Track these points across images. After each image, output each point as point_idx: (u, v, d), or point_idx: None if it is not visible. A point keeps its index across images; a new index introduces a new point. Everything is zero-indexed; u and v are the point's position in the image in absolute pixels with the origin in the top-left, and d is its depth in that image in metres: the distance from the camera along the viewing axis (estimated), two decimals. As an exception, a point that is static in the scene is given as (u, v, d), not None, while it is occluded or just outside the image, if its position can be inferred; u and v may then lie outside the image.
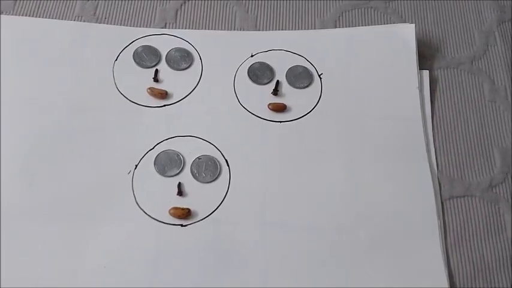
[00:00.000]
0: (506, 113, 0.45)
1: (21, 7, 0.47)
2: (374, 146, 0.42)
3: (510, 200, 0.41)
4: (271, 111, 0.43)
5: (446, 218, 0.40)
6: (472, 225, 0.40)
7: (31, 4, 0.48)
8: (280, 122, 0.43)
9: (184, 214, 0.39)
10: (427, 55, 0.47)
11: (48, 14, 0.47)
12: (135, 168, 0.41)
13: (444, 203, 0.41)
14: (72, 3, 0.48)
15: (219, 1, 0.49)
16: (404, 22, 0.49)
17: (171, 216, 0.39)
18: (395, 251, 0.38)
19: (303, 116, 0.43)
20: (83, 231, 0.38)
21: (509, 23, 0.49)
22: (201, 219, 0.39)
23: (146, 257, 0.38)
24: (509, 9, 0.50)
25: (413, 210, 0.40)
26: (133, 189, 0.40)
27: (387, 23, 0.49)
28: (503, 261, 0.39)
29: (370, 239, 0.39)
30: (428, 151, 0.42)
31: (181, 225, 0.39)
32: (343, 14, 0.49)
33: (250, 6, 0.49)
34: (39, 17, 0.47)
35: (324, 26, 0.48)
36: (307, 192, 0.40)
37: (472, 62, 0.47)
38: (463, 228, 0.40)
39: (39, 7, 0.48)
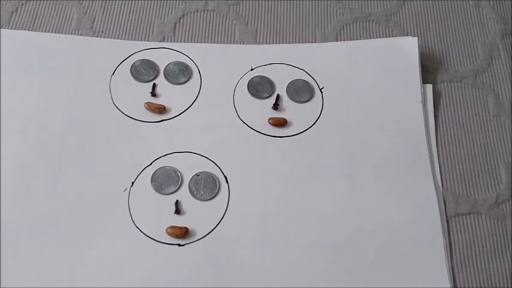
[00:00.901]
0: (511, 127, 0.44)
1: (18, 21, 0.47)
2: (377, 162, 0.41)
3: (517, 217, 0.40)
4: (271, 126, 0.42)
5: (451, 236, 0.39)
6: (478, 244, 0.39)
7: (27, 18, 0.47)
8: (281, 137, 0.42)
9: (182, 233, 0.38)
10: (430, 68, 0.46)
11: (45, 27, 0.47)
12: (132, 185, 0.40)
13: (449, 221, 0.40)
14: (69, 17, 0.47)
15: (218, 14, 0.48)
16: (406, 35, 0.48)
17: (168, 236, 0.38)
18: (399, 270, 0.37)
19: (304, 131, 0.42)
20: (77, 249, 0.37)
21: (513, 36, 0.49)
22: (199, 239, 0.38)
23: (142, 278, 0.36)
24: (513, 21, 0.49)
25: (418, 228, 0.39)
26: (130, 207, 0.39)
27: (389, 36, 0.48)
28: (511, 282, 0.38)
29: (373, 258, 0.38)
30: (432, 167, 0.41)
31: (179, 245, 0.38)
32: (345, 27, 0.48)
33: (250, 19, 0.48)
34: (35, 30, 0.46)
35: (325, 40, 0.47)
36: (309, 209, 0.39)
37: (476, 76, 0.46)
38: (469, 246, 0.39)
39: (35, 21, 0.47)
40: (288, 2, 0.49)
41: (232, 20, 0.48)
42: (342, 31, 0.48)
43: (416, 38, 0.46)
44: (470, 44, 0.48)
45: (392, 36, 0.48)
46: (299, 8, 0.49)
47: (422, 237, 0.38)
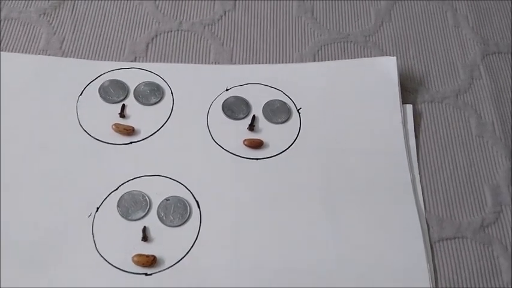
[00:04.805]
0: (495, 148, 0.43)
1: (-17, 41, 0.45)
2: (356, 185, 0.40)
3: (504, 241, 0.38)
4: (246, 148, 0.41)
5: (436, 262, 0.37)
6: (464, 269, 0.37)
7: (-6, 38, 0.45)
8: (257, 159, 0.40)
9: (149, 262, 0.35)
10: (410, 89, 0.45)
11: (12, 47, 0.45)
12: (96, 211, 0.37)
13: (433, 246, 0.38)
14: (37, 37, 0.46)
15: (192, 34, 0.47)
16: (386, 55, 0.47)
17: (134, 264, 0.35)
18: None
19: (280, 153, 0.41)
20: (36, 280, 0.35)
21: (494, 56, 0.48)
22: (168, 267, 0.36)
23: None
24: (493, 42, 0.49)
25: (400, 253, 0.37)
26: (94, 234, 0.36)
27: (368, 57, 0.47)
28: (500, 310, 0.36)
29: (353, 285, 0.36)
30: (414, 189, 0.40)
31: (146, 274, 0.35)
32: (322, 48, 0.47)
33: (225, 40, 0.47)
34: (2, 51, 0.44)
35: (302, 60, 0.46)
36: (286, 235, 0.37)
37: (457, 96, 0.45)
38: (455, 272, 0.37)
39: (1, 41, 0.45)
40: (264, 22, 0.48)
41: (207, 40, 0.47)
42: (319, 52, 0.47)
43: (395, 58, 0.45)
44: (451, 65, 0.47)
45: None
46: (276, 29, 0.48)
47: (405, 263, 0.37)
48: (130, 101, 0.42)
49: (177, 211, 0.37)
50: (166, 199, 0.38)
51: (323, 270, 0.36)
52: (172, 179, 0.39)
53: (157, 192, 0.38)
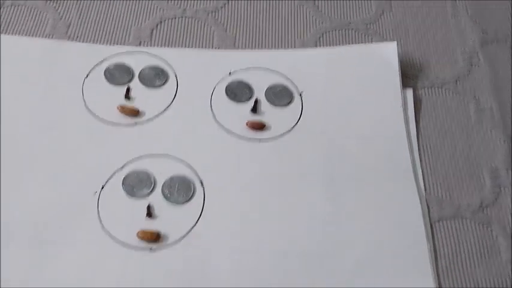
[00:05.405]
0: (493, 132, 0.43)
1: (-9, 26, 0.46)
2: (357, 167, 0.40)
3: (503, 221, 0.39)
4: (249, 129, 0.41)
5: (436, 241, 0.38)
6: (464, 249, 0.38)
7: (1, 23, 0.46)
8: (259, 140, 0.41)
9: (153, 237, 0.36)
10: (410, 75, 0.46)
11: (19, 32, 0.45)
12: (102, 188, 0.38)
13: (433, 226, 0.38)
14: (44, 22, 0.46)
15: (196, 21, 0.48)
16: (386, 42, 0.48)
17: (139, 240, 0.36)
18: (382, 278, 0.36)
19: (283, 134, 0.41)
20: (43, 256, 0.35)
21: (492, 44, 0.49)
22: (172, 244, 0.36)
23: (111, 284, 0.34)
24: (492, 31, 0.49)
25: (401, 233, 0.37)
26: (99, 211, 0.37)
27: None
28: None
29: (355, 266, 0.36)
30: (414, 171, 0.40)
31: (150, 249, 0.36)
32: (324, 35, 0.48)
33: (228, 27, 0.48)
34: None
35: (304, 47, 0.47)
36: (286, 215, 0.38)
37: (456, 82, 0.46)
38: (454, 252, 0.38)
39: (8, 26, 0.46)
40: (267, 10, 0.49)
41: (210, 27, 0.47)
42: (321, 39, 0.48)
43: (395, 42, 0.46)
44: (450, 52, 0.48)
45: (372, 44, 0.47)
46: (278, 16, 0.49)
47: (406, 243, 0.37)
48: (135, 84, 0.43)
49: (181, 189, 0.38)
50: (171, 177, 0.38)
51: (324, 251, 0.36)
52: (176, 158, 0.39)
53: (162, 171, 0.39)
